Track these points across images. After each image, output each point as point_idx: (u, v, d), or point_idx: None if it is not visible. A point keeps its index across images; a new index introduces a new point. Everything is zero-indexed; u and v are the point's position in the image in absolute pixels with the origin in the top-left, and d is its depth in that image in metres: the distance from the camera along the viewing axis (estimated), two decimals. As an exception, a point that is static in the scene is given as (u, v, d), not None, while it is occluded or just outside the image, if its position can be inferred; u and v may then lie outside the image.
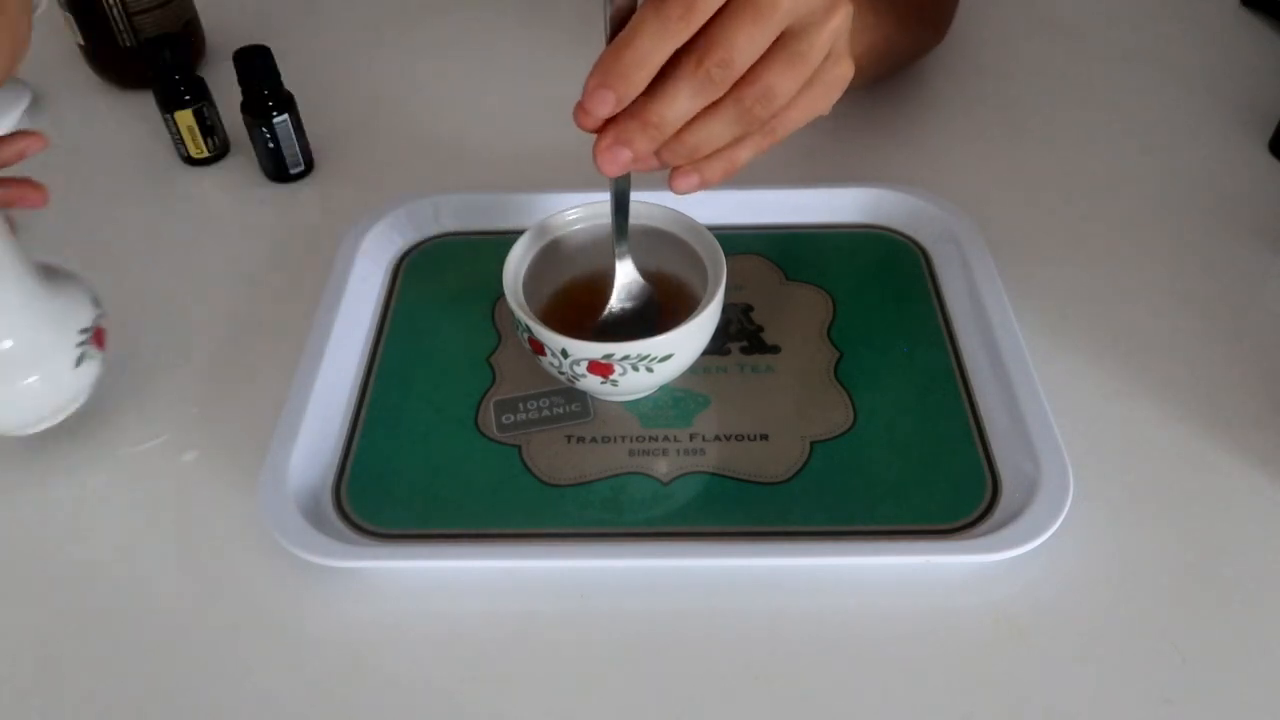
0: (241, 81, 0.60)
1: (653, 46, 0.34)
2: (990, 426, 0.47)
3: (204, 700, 0.39)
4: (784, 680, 0.39)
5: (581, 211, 0.49)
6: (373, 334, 0.53)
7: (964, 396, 0.49)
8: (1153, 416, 0.48)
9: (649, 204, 0.49)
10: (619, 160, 0.37)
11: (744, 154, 0.39)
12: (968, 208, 0.57)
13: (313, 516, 0.43)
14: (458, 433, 0.48)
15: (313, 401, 0.47)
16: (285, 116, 0.61)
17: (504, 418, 0.48)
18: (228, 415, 0.50)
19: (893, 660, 0.40)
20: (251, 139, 0.63)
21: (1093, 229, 0.59)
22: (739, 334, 0.52)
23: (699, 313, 0.44)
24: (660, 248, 0.49)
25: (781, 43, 0.36)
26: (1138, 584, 0.42)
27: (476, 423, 0.48)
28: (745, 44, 0.35)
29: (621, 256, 0.47)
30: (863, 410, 0.48)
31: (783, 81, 0.36)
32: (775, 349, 0.51)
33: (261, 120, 0.61)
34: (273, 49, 0.60)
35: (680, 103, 0.36)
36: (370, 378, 0.51)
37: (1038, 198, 0.61)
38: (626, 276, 0.47)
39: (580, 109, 0.36)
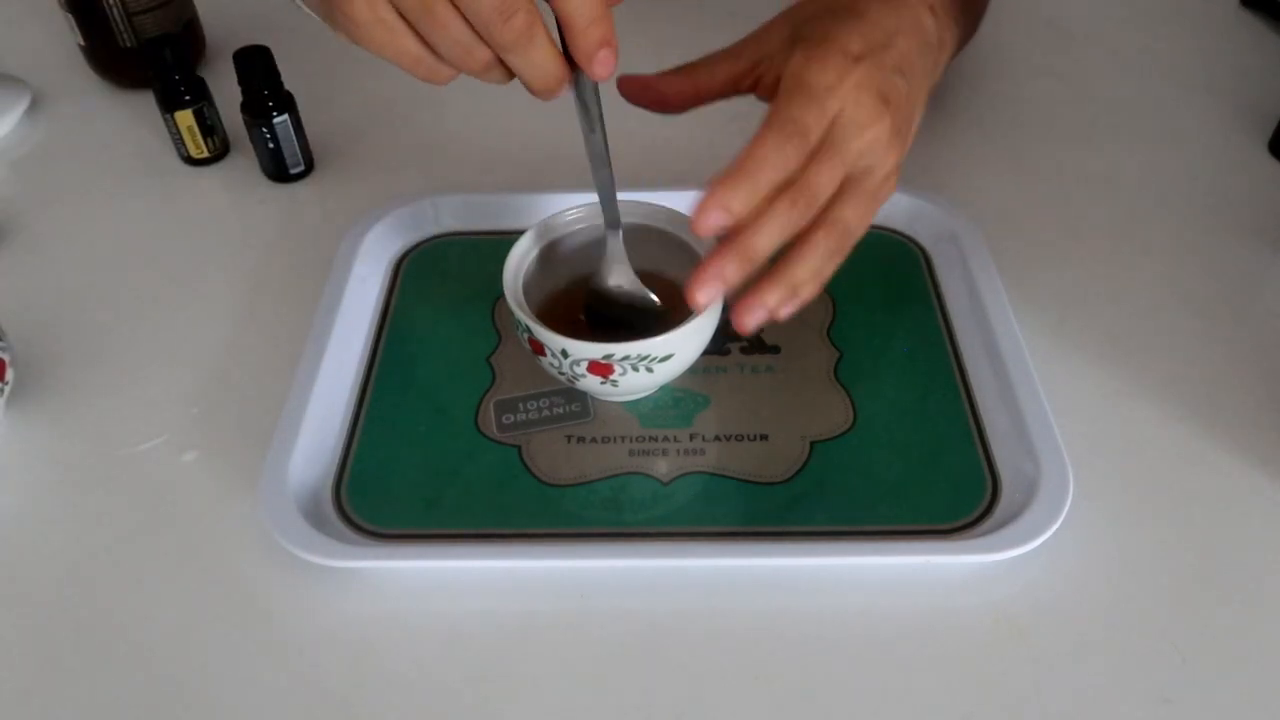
0: (241, 81, 0.60)
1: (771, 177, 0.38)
2: (990, 426, 0.47)
3: (204, 700, 0.39)
4: (784, 680, 0.39)
5: (582, 211, 0.49)
6: (373, 334, 0.53)
7: (964, 396, 0.49)
8: (1153, 416, 0.48)
9: (647, 203, 0.49)
10: (721, 222, 0.38)
11: (809, 289, 0.41)
12: (968, 208, 0.57)
13: (313, 516, 0.43)
14: (458, 433, 0.48)
15: (313, 401, 0.47)
16: (285, 116, 0.61)
17: (504, 418, 0.48)
18: (228, 415, 0.50)
19: (893, 660, 0.40)
20: (251, 139, 0.63)
21: (1093, 229, 0.59)
22: (739, 334, 0.52)
23: (696, 314, 0.44)
24: (659, 248, 0.49)
25: (854, 180, 0.41)
26: (1138, 584, 0.42)
27: (476, 423, 0.48)
28: (827, 182, 0.39)
29: (612, 226, 0.46)
30: (863, 410, 0.48)
31: (858, 215, 0.41)
32: (775, 349, 0.51)
33: (261, 120, 0.61)
34: (273, 49, 0.60)
35: (772, 232, 0.39)
36: (370, 378, 0.51)
37: (1038, 198, 0.61)
38: (618, 260, 0.46)
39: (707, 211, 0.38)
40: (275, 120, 0.61)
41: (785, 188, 0.39)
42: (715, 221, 0.38)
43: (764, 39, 0.45)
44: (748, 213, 0.38)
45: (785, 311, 0.41)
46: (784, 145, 0.39)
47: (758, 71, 0.45)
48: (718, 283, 0.39)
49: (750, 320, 0.40)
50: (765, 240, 0.39)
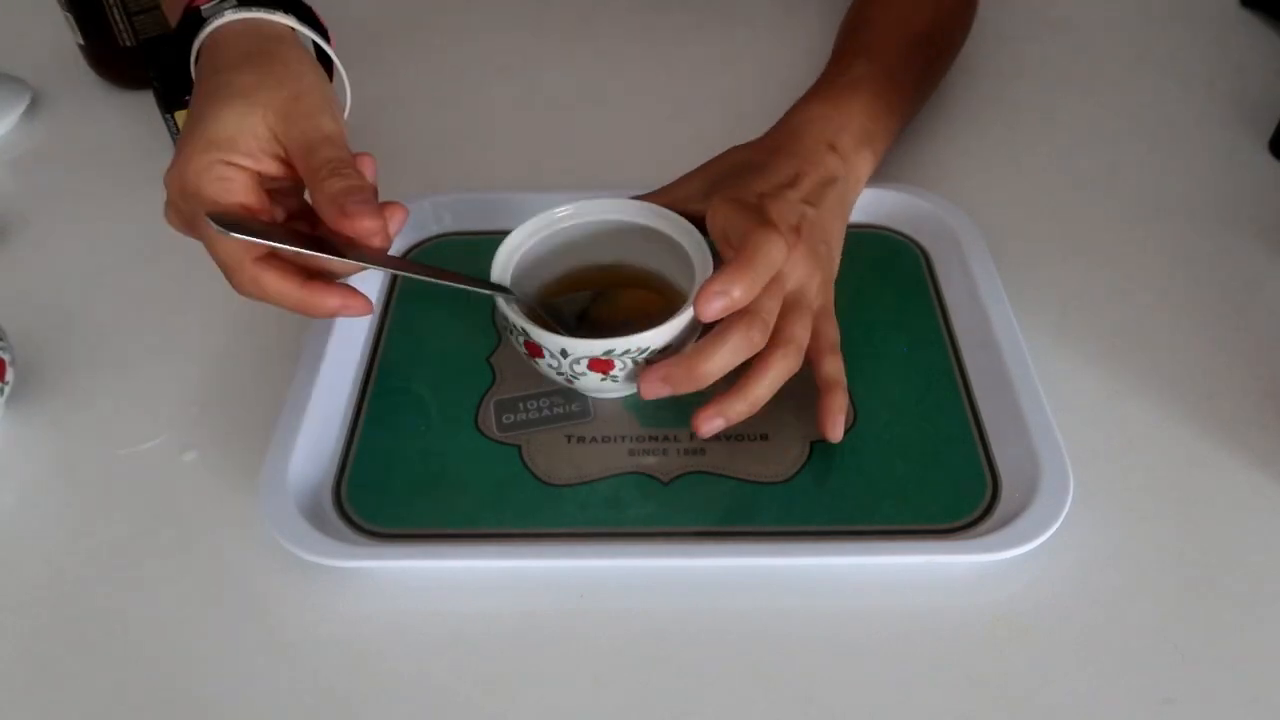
0: None
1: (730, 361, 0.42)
2: (990, 426, 0.47)
3: (204, 700, 0.39)
4: (784, 680, 0.39)
5: (569, 209, 0.50)
6: (373, 334, 0.53)
7: (964, 396, 0.49)
8: (1153, 416, 0.48)
9: (637, 203, 0.49)
10: (659, 392, 0.43)
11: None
12: (968, 208, 0.57)
13: (313, 516, 0.43)
14: (458, 433, 0.48)
15: (313, 401, 0.47)
16: None
17: (504, 418, 0.48)
18: (228, 415, 0.50)
19: (893, 660, 0.40)
20: None
21: (1093, 229, 0.59)
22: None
23: (691, 303, 0.44)
24: (648, 246, 0.49)
25: (793, 302, 0.45)
26: (1138, 584, 0.42)
27: (476, 423, 0.48)
28: (773, 307, 0.43)
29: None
30: (863, 410, 0.48)
31: (805, 331, 0.45)
32: (775, 349, 0.51)
33: None
34: (273, 49, 0.60)
35: (733, 355, 0.42)
36: (370, 378, 0.51)
37: (1038, 198, 0.61)
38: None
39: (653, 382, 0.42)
40: None
41: (741, 316, 0.42)
42: (719, 305, 0.41)
43: (681, 187, 0.52)
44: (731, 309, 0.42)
45: (711, 427, 0.44)
46: (775, 238, 0.43)
47: (678, 211, 0.49)
48: (665, 387, 0.42)
49: (710, 429, 0.43)
50: (722, 362, 0.42)
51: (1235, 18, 0.78)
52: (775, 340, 0.44)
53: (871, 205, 0.58)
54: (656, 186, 0.53)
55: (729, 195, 0.47)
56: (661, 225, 0.49)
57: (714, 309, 0.41)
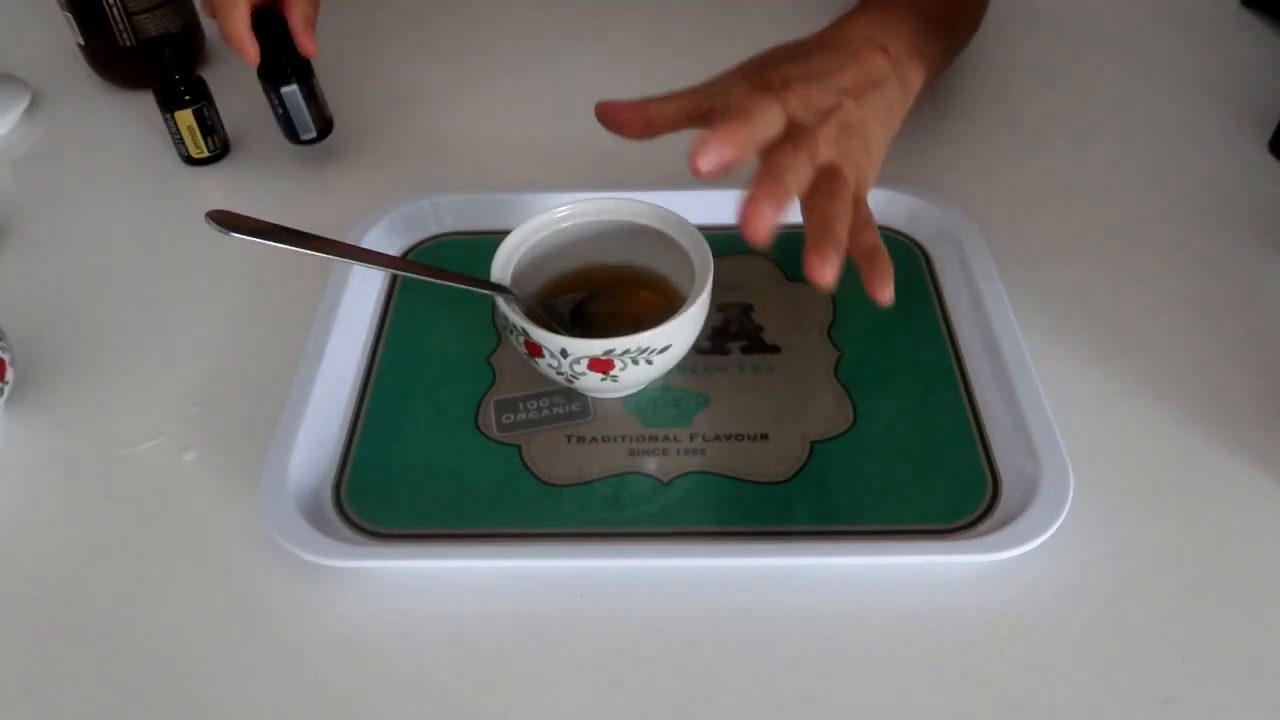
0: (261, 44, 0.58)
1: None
2: (990, 426, 0.47)
3: (204, 700, 0.39)
4: (784, 680, 0.39)
5: (568, 209, 0.50)
6: (373, 334, 0.53)
7: (964, 396, 0.49)
8: (1153, 416, 0.48)
9: (638, 202, 0.50)
10: (722, 158, 0.40)
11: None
12: (968, 208, 0.57)
13: (313, 516, 0.43)
14: (458, 433, 0.48)
15: (313, 401, 0.47)
16: (294, 87, 0.60)
17: (504, 418, 0.48)
18: (228, 415, 0.50)
19: (893, 660, 0.40)
20: (269, 103, 0.62)
21: (1093, 229, 0.59)
22: (739, 334, 0.52)
23: (691, 303, 0.44)
24: (649, 246, 0.49)
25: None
26: (1138, 584, 0.42)
27: (476, 423, 0.48)
28: (792, 164, 0.42)
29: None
30: (863, 410, 0.48)
31: (848, 171, 0.44)
32: (775, 349, 0.51)
33: (276, 83, 0.60)
34: (272, 49, 0.60)
35: (758, 124, 0.41)
36: (370, 378, 0.51)
37: (1038, 197, 0.61)
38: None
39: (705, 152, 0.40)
40: (284, 90, 0.60)
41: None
42: (715, 158, 0.40)
43: (718, 83, 0.49)
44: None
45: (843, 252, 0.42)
46: (762, 97, 0.42)
47: (707, 106, 0.47)
48: (725, 146, 0.40)
49: (830, 272, 0.41)
50: (764, 128, 0.42)
51: (1235, 18, 0.78)
52: (820, 179, 0.43)
53: (872, 205, 0.58)
54: (656, 187, 0.52)
55: (751, 76, 0.45)
56: (661, 225, 0.49)
57: (707, 160, 0.40)
